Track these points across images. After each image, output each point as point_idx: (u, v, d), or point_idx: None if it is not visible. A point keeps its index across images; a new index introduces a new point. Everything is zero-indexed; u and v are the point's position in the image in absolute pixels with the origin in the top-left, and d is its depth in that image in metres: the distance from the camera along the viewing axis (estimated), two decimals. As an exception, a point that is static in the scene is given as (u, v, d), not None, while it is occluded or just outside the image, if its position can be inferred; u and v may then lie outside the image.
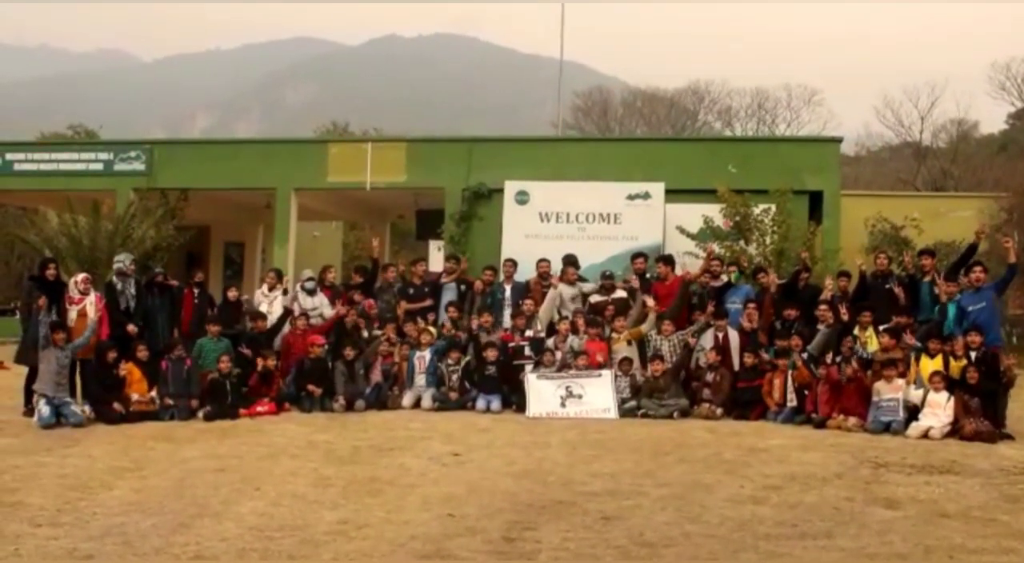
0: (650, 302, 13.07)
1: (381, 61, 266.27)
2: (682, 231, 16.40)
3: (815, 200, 18.51)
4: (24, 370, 11.69)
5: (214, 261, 27.18)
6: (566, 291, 14.01)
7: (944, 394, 10.55)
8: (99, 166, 21.41)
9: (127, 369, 11.40)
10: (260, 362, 12.04)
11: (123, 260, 12.62)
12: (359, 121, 63.65)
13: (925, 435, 10.20)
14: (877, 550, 5.83)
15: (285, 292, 13.81)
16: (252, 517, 6.51)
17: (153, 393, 11.47)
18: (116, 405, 11.04)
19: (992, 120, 54.63)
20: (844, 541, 6.02)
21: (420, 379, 12.65)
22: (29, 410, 11.13)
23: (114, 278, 12.46)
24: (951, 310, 11.68)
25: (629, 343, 12.74)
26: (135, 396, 11.30)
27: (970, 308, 11.50)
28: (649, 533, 6.18)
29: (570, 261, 14.46)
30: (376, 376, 12.59)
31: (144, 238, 19.16)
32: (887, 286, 12.91)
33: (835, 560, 5.63)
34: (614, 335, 12.87)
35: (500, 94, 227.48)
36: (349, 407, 11.99)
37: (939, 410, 10.48)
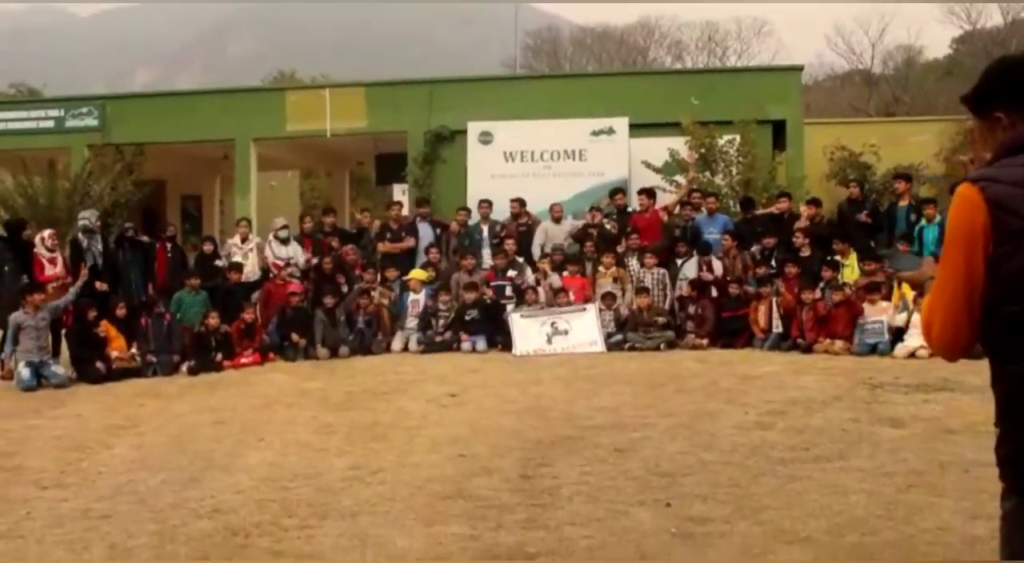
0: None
1: (322, 6, 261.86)
2: (648, 165, 16.30)
3: (778, 129, 18.49)
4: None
5: (171, 215, 26.65)
6: (555, 230, 13.92)
7: (929, 315, 10.59)
8: (50, 124, 20.82)
9: (105, 327, 11.17)
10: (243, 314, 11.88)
11: (88, 217, 12.35)
12: (305, 69, 62.37)
13: (912, 355, 10.29)
14: (894, 468, 5.88)
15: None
16: (262, 468, 6.42)
17: (134, 350, 11.27)
18: (99, 364, 10.81)
19: (937, 45, 54.86)
20: (859, 461, 6.07)
21: (411, 322, 12.57)
22: (6, 372, 10.87)
23: (80, 235, 12.15)
24: (930, 232, 11.73)
25: (614, 279, 12.68)
26: (114, 353, 11.09)
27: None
28: (665, 463, 6.18)
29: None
30: (359, 323, 12.44)
31: (103, 195, 18.71)
32: (859, 215, 13.02)
33: (856, 480, 5.64)
34: (600, 269, 12.81)
35: (444, 38, 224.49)
36: (333, 354, 11.88)
37: (925, 330, 10.54)
